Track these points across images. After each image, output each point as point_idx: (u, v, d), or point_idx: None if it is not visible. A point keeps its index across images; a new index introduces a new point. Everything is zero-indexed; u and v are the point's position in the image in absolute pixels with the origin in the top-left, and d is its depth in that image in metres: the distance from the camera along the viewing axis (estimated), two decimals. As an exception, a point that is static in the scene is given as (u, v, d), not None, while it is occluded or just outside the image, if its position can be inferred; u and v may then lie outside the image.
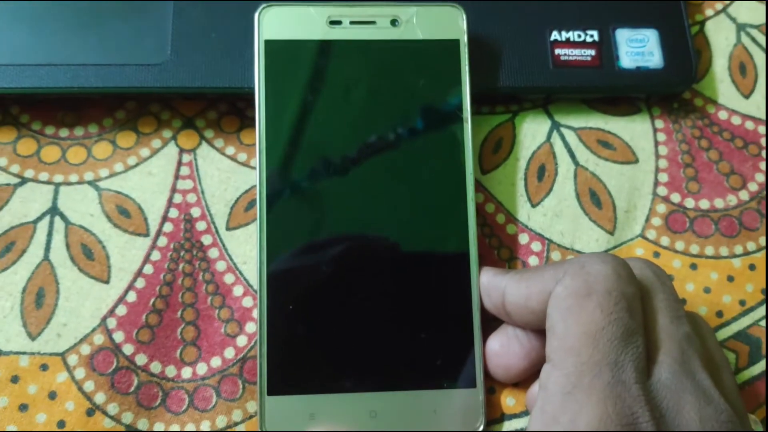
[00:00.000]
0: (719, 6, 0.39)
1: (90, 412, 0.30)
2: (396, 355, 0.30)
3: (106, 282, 0.32)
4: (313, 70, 0.32)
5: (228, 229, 0.34)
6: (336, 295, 0.30)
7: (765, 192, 0.36)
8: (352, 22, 0.33)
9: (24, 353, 0.31)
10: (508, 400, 0.31)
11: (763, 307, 0.34)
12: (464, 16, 0.33)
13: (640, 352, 0.25)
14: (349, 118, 0.32)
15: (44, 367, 0.31)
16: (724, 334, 0.33)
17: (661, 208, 0.35)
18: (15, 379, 0.31)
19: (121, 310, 0.32)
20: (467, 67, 0.33)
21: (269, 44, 0.32)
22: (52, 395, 0.31)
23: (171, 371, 0.31)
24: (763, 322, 0.33)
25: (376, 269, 0.31)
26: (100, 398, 0.31)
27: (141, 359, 0.31)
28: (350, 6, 0.33)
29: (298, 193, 0.31)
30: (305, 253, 0.31)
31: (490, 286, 0.30)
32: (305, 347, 0.30)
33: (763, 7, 0.39)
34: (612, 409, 0.23)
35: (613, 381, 0.24)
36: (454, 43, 0.33)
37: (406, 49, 0.33)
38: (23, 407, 0.30)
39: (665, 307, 0.27)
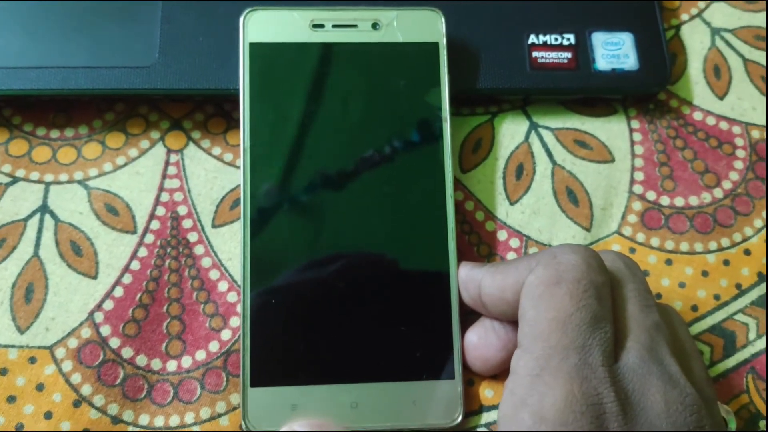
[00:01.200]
0: (694, 11, 0.40)
1: (77, 404, 0.31)
2: (376, 348, 0.31)
3: (94, 278, 0.33)
4: (297, 72, 0.33)
5: (214, 226, 0.35)
6: (317, 289, 0.31)
7: (767, 184, 0.36)
8: (334, 26, 0.34)
9: (13, 346, 0.32)
10: (487, 392, 0.32)
11: (737, 302, 0.34)
12: (443, 20, 0.34)
13: (608, 338, 0.26)
14: (332, 119, 0.33)
15: (32, 360, 0.32)
16: (699, 327, 0.34)
17: (637, 205, 0.36)
18: (4, 372, 0.31)
19: (108, 305, 0.33)
20: (446, 69, 0.34)
21: (254, 47, 0.33)
22: (40, 387, 0.31)
23: (156, 364, 0.32)
24: (737, 316, 0.34)
25: (356, 264, 0.32)
26: (86, 390, 0.31)
27: (127, 352, 0.32)
28: (333, 10, 0.34)
29: (280, 191, 0.32)
30: (287, 248, 0.32)
31: (468, 279, 0.31)
32: (287, 340, 0.31)
33: (737, 13, 0.40)
34: (578, 389, 0.24)
35: (579, 363, 0.25)
36: (434, 46, 0.34)
37: (386, 51, 0.34)
38: (11, 399, 0.31)
39: (635, 296, 0.28)
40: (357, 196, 0.32)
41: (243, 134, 0.32)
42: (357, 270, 0.32)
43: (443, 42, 0.34)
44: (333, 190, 0.32)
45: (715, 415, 0.27)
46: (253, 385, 0.30)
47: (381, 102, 0.33)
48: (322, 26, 0.34)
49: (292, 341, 0.31)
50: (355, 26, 0.34)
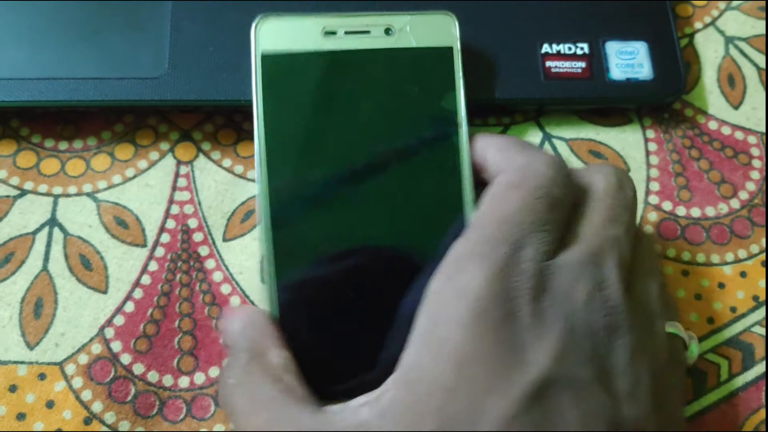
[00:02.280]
0: (708, 19, 0.40)
1: (87, 421, 0.30)
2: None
3: (105, 292, 0.33)
4: (310, 80, 0.33)
5: (225, 240, 0.34)
6: (345, 302, 0.30)
7: (764, 198, 0.36)
8: (346, 32, 0.33)
9: (22, 362, 0.31)
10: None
11: (755, 314, 0.34)
12: (456, 24, 0.34)
13: (548, 240, 0.26)
14: (347, 127, 0.32)
15: (42, 377, 0.31)
16: (716, 340, 0.34)
17: (653, 216, 0.36)
18: (13, 389, 0.31)
19: (119, 320, 0.32)
20: (461, 73, 0.33)
21: (266, 57, 0.33)
22: (50, 404, 0.31)
23: (168, 380, 0.31)
24: (754, 329, 0.34)
25: (382, 278, 0.31)
26: (97, 407, 0.31)
27: (138, 368, 0.31)
28: (345, 17, 0.34)
29: (299, 203, 0.31)
30: (313, 264, 0.31)
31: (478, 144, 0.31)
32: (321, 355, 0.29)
33: (751, 21, 0.40)
34: (497, 274, 0.25)
35: (508, 253, 0.25)
36: (448, 50, 0.33)
37: (400, 57, 0.33)
38: (21, 416, 0.30)
39: (605, 209, 0.28)
40: (373, 204, 0.32)
41: (258, 146, 0.32)
42: (383, 283, 0.31)
43: (457, 46, 0.33)
44: (349, 198, 0.32)
45: (650, 330, 0.27)
46: None
47: (396, 108, 0.33)
48: (334, 33, 0.33)
49: (326, 356, 0.29)
50: (367, 32, 0.34)
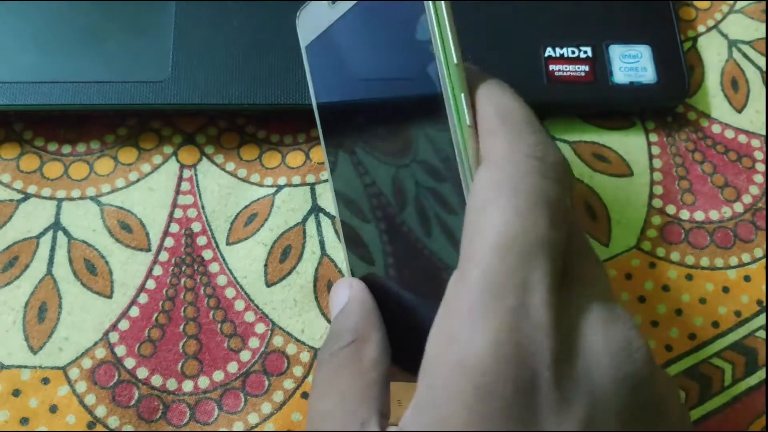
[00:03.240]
0: (711, 23, 0.40)
1: (91, 425, 0.30)
2: None
3: (110, 297, 0.33)
4: (338, 57, 0.29)
5: (228, 243, 0.34)
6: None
7: (766, 202, 0.36)
8: None
9: (26, 367, 0.31)
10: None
11: (759, 318, 0.34)
12: None
13: (556, 271, 0.21)
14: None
15: (46, 381, 0.31)
16: (720, 345, 0.34)
17: (657, 219, 0.35)
18: (16, 393, 0.31)
19: (124, 325, 0.32)
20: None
21: (308, 49, 0.31)
22: (53, 408, 0.31)
23: (172, 384, 0.31)
24: (759, 333, 0.34)
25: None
26: (101, 411, 0.31)
27: (142, 372, 0.31)
28: None
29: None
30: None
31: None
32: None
33: (755, 24, 0.40)
34: (501, 341, 0.20)
35: (514, 306, 0.20)
36: None
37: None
38: (24, 420, 0.30)
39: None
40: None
41: (325, 149, 0.30)
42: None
43: None
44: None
45: (659, 371, 0.22)
46: None
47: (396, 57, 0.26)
48: None
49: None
50: None
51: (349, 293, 0.27)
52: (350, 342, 0.25)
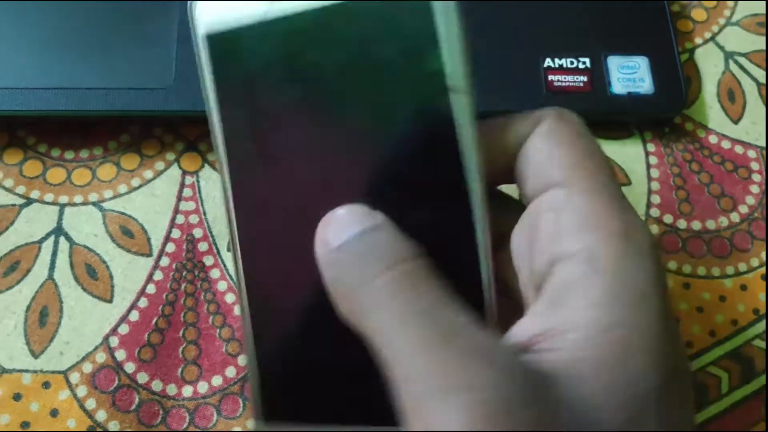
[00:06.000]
0: (708, 35, 0.41)
1: (91, 430, 0.31)
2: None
3: (110, 301, 0.33)
4: (262, 58, 0.23)
5: (229, 250, 0.34)
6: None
7: (763, 212, 0.36)
8: None
9: (27, 371, 0.31)
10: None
11: (755, 327, 0.34)
12: None
13: None
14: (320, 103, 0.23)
15: (46, 385, 0.31)
16: (716, 353, 0.34)
17: (654, 229, 0.36)
18: (17, 397, 0.31)
19: (124, 329, 0.32)
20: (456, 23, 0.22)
21: (211, 39, 0.24)
22: (54, 413, 0.31)
23: (172, 389, 0.32)
24: (755, 342, 0.34)
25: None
26: (101, 416, 0.31)
27: (142, 377, 0.32)
28: None
29: (267, 199, 0.24)
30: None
31: None
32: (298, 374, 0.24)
33: (751, 37, 0.41)
34: None
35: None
36: None
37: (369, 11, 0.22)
38: (25, 424, 0.31)
39: None
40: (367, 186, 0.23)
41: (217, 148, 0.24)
42: None
43: None
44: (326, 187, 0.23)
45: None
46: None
47: (370, 76, 0.22)
48: None
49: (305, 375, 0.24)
50: None
51: (373, 217, 0.21)
52: (417, 256, 0.20)
